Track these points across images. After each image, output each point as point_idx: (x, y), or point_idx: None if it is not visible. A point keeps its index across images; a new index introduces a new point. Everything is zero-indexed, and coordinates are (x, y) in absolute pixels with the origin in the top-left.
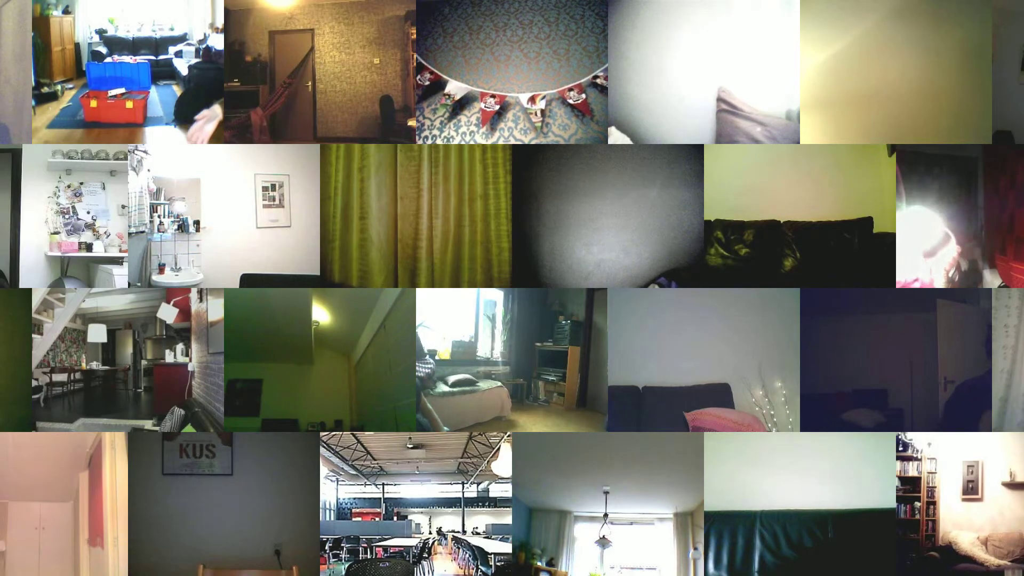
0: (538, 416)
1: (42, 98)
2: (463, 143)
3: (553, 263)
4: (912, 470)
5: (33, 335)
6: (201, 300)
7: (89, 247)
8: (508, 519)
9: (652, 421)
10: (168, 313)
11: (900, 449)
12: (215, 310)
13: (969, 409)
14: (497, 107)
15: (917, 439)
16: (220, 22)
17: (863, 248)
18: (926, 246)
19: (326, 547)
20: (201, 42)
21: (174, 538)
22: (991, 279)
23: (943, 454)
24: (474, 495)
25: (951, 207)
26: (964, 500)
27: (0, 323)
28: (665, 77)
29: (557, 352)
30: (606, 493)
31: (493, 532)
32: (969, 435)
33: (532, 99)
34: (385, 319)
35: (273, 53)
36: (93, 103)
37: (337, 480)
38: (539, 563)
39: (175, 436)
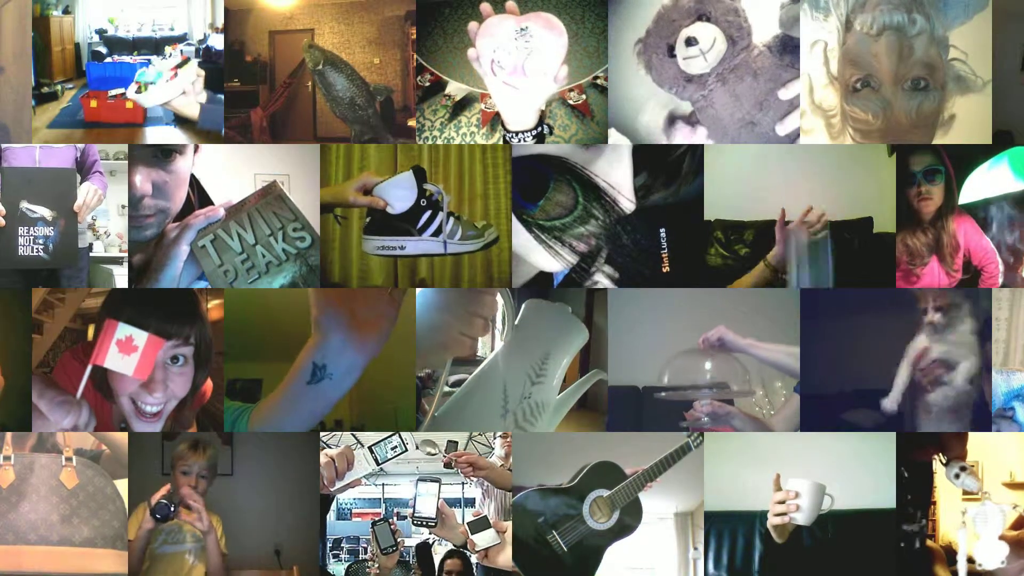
0: None
1: (42, 98)
2: (463, 143)
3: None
4: None
5: (33, 335)
6: (201, 300)
7: (89, 247)
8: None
9: (652, 421)
10: None
11: None
12: (215, 310)
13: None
14: (497, 108)
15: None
16: (220, 22)
17: (863, 248)
18: None
19: (326, 547)
20: (201, 42)
21: None
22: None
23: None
24: (474, 495)
25: None
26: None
27: (0, 323)
28: None
29: None
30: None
31: None
32: (969, 435)
33: None
34: None
35: (273, 53)
36: (93, 103)
37: None
38: None
39: (175, 436)
